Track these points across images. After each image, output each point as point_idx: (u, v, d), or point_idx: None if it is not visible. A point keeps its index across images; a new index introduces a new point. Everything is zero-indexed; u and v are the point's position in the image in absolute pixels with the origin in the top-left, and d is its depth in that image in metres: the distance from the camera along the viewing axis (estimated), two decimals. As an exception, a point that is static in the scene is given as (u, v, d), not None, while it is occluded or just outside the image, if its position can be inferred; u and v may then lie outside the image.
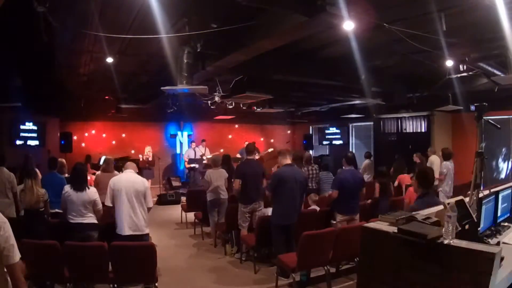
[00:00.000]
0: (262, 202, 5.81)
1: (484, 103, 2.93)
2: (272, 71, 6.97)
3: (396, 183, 7.88)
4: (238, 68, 6.16)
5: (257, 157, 6.40)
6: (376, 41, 5.55)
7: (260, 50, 5.11)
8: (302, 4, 3.73)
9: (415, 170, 8.74)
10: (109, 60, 6.04)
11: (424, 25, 4.58)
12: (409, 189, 6.04)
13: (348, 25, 3.87)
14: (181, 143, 13.69)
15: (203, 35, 4.72)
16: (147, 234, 4.41)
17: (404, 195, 6.81)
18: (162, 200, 10.45)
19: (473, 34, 5.18)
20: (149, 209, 4.40)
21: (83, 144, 12.29)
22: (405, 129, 11.21)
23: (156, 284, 4.08)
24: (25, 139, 9.57)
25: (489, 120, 3.00)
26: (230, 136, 14.62)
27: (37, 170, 6.28)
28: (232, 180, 6.30)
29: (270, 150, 12.98)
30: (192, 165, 11.47)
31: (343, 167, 5.62)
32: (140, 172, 11.06)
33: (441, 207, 2.65)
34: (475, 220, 2.49)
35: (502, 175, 9.38)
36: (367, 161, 10.21)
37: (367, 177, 9.29)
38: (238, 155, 11.82)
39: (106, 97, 10.70)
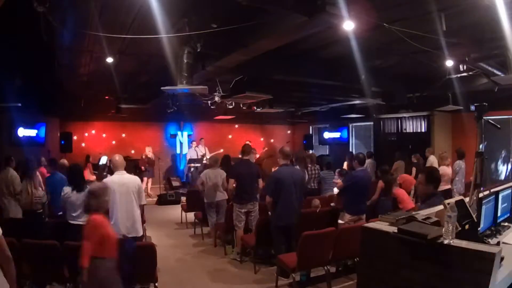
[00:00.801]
0: (257, 203, 5.80)
1: (484, 103, 2.93)
2: (272, 71, 6.97)
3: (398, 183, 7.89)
4: (238, 68, 6.16)
5: (257, 156, 6.39)
6: (376, 41, 5.55)
7: (260, 50, 5.11)
8: (302, 4, 3.72)
9: (414, 170, 8.76)
10: (109, 60, 6.04)
11: (424, 25, 4.58)
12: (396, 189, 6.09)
13: (348, 25, 3.87)
14: (181, 143, 13.69)
15: (203, 35, 4.71)
16: (142, 236, 4.39)
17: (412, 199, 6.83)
18: (162, 200, 10.44)
19: (473, 34, 5.18)
20: (142, 206, 4.39)
21: (83, 144, 12.29)
22: (405, 129, 11.21)
23: (156, 284, 4.08)
24: (25, 139, 9.56)
25: (489, 120, 3.00)
26: (230, 136, 14.62)
27: (38, 173, 6.30)
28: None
29: (265, 149, 13.02)
30: (194, 165, 11.45)
31: (356, 168, 5.57)
32: (140, 172, 11.15)
33: (441, 207, 2.65)
34: (475, 220, 2.50)
35: (502, 177, 9.37)
36: (369, 160, 10.19)
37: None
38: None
39: (106, 97, 10.70)
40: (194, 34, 4.60)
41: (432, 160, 8.39)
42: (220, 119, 12.41)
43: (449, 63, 5.89)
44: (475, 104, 2.98)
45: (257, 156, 11.93)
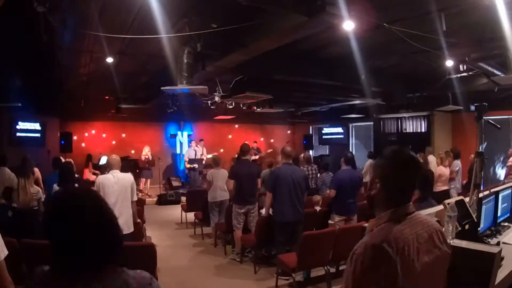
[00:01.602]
0: (257, 204, 5.80)
1: (484, 103, 2.93)
2: (272, 71, 6.97)
3: None
4: (238, 68, 6.16)
5: (256, 157, 6.40)
6: (376, 41, 5.55)
7: (260, 50, 5.12)
8: (302, 4, 3.73)
9: None
10: (109, 60, 6.04)
11: (424, 25, 4.58)
12: None
13: (348, 25, 3.87)
14: (181, 143, 13.69)
15: (203, 35, 4.71)
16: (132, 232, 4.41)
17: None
18: (162, 200, 10.45)
19: (473, 34, 5.18)
20: (134, 203, 4.41)
21: (83, 144, 12.29)
22: (405, 129, 11.21)
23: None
24: (25, 139, 9.56)
25: (489, 120, 3.00)
26: (230, 136, 14.62)
27: (37, 170, 6.29)
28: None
29: (269, 150, 13.00)
30: (192, 165, 11.47)
31: (341, 167, 5.61)
32: (140, 172, 11.15)
33: (441, 207, 2.65)
34: (475, 220, 2.49)
35: (502, 177, 9.36)
36: (370, 161, 10.16)
37: (370, 177, 9.26)
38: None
39: (106, 97, 10.70)
40: (194, 34, 4.61)
41: (431, 160, 8.38)
42: (220, 119, 12.42)
43: (449, 63, 5.89)
44: (475, 104, 2.98)
45: (257, 156, 11.96)
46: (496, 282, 1.89)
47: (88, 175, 10.11)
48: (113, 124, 12.70)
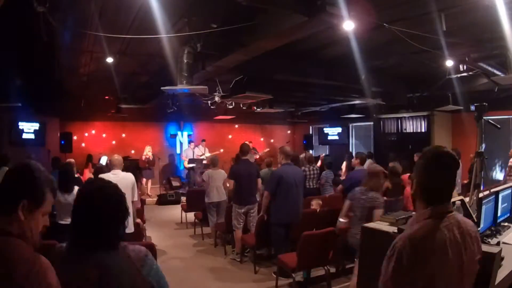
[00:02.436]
0: (257, 204, 5.80)
1: (484, 103, 2.93)
2: (272, 71, 6.97)
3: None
4: (238, 68, 6.16)
5: (256, 156, 6.40)
6: (376, 41, 5.55)
7: (260, 50, 5.11)
8: (302, 4, 3.73)
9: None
10: (109, 60, 6.04)
11: (424, 25, 4.58)
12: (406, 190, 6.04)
13: (348, 25, 3.87)
14: (181, 143, 13.69)
15: (203, 35, 4.72)
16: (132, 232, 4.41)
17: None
18: (162, 200, 10.45)
19: (473, 34, 5.18)
20: (133, 203, 4.41)
21: (83, 144, 12.28)
22: (405, 129, 11.21)
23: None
24: (25, 139, 9.57)
25: (489, 120, 3.00)
26: (230, 136, 14.62)
27: None
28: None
29: (267, 150, 13.00)
30: (191, 165, 11.47)
31: (354, 167, 5.59)
32: (140, 172, 11.15)
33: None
34: (475, 220, 2.49)
35: (501, 178, 9.34)
36: (369, 161, 10.15)
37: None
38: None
39: (106, 97, 10.70)
40: (194, 34, 4.61)
41: None
42: (220, 119, 12.41)
43: (449, 63, 5.90)
44: (475, 104, 2.98)
45: (257, 156, 11.95)
46: (496, 282, 1.89)
47: (89, 175, 10.10)
48: (113, 124, 12.70)
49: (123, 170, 4.57)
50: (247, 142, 6.65)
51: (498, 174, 9.42)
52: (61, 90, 9.15)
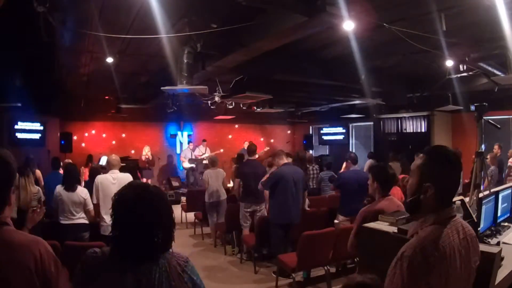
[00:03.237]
0: (263, 203, 5.81)
1: (484, 103, 2.93)
2: (272, 71, 6.97)
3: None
4: (238, 68, 6.16)
5: (255, 156, 6.41)
6: (376, 41, 5.55)
7: (260, 50, 5.11)
8: (302, 4, 3.73)
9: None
10: (109, 60, 6.04)
11: (424, 25, 4.58)
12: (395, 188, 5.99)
13: (348, 25, 3.87)
14: (181, 143, 13.69)
15: (203, 35, 4.71)
16: None
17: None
18: (162, 200, 10.43)
19: (473, 34, 5.18)
20: None
21: (83, 144, 12.28)
22: (405, 129, 11.21)
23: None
24: (25, 139, 9.56)
25: (489, 120, 3.00)
26: (230, 136, 14.62)
27: (38, 170, 6.28)
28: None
29: (266, 149, 12.98)
30: (190, 165, 11.45)
31: (349, 168, 5.58)
32: (140, 172, 11.13)
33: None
34: (475, 220, 2.49)
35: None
36: (370, 161, 10.08)
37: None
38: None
39: (106, 97, 10.70)
40: (194, 34, 4.61)
41: None
42: (220, 119, 12.41)
43: (449, 63, 5.89)
44: (475, 104, 2.98)
45: (257, 156, 11.95)
46: (496, 282, 1.89)
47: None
48: (113, 124, 12.70)
49: (121, 170, 4.57)
50: (252, 142, 6.70)
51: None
52: (61, 90, 9.16)
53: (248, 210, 5.65)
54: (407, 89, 9.02)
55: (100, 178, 4.44)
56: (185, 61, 4.98)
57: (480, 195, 2.67)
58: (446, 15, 4.33)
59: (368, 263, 2.46)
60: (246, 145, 11.96)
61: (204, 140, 12.60)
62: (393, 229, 2.30)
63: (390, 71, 7.99)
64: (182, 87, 5.08)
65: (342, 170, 8.10)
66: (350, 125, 13.58)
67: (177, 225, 6.04)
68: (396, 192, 5.95)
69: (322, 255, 4.35)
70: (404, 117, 11.12)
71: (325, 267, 4.42)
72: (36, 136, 9.91)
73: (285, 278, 4.65)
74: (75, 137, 11.53)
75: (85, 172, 8.89)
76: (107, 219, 4.16)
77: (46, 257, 1.23)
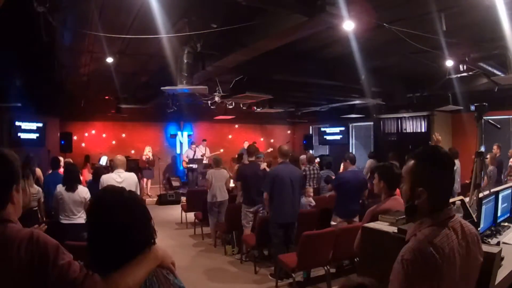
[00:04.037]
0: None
1: (484, 103, 2.93)
2: (272, 71, 6.97)
3: None
4: (238, 68, 6.16)
5: (262, 164, 6.40)
6: (376, 41, 5.55)
7: (260, 50, 5.11)
8: (302, 4, 3.72)
9: None
10: (109, 60, 6.05)
11: (424, 25, 4.58)
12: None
13: (348, 25, 3.87)
14: (181, 143, 13.69)
15: (203, 35, 4.72)
16: None
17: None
18: (162, 200, 10.44)
19: (473, 34, 5.18)
20: None
21: (83, 144, 12.29)
22: (405, 129, 11.21)
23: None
24: (25, 139, 9.56)
25: (489, 120, 3.00)
26: (230, 136, 14.62)
27: (38, 170, 6.27)
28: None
29: (270, 150, 12.97)
30: (190, 165, 11.44)
31: (347, 168, 5.54)
32: (140, 172, 11.11)
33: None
34: (475, 220, 2.49)
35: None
36: (371, 161, 10.06)
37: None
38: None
39: (106, 97, 10.70)
40: (194, 34, 4.61)
41: None
42: (220, 119, 12.42)
43: (449, 63, 5.89)
44: (475, 104, 2.98)
45: (260, 157, 11.92)
46: (496, 282, 1.89)
47: (88, 175, 10.09)
48: (113, 124, 12.70)
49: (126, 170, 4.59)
50: (255, 143, 6.70)
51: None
52: (61, 90, 9.16)
53: (250, 210, 5.65)
54: (407, 89, 9.02)
55: (105, 177, 4.43)
56: (185, 61, 4.98)
57: (480, 195, 2.67)
58: (446, 15, 4.33)
59: (368, 263, 2.46)
60: (246, 144, 11.96)
61: (204, 140, 12.60)
62: (393, 229, 2.30)
63: (390, 71, 8.00)
64: (182, 87, 5.08)
65: (341, 170, 8.05)
66: (350, 125, 13.58)
67: (177, 225, 6.07)
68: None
69: (322, 255, 4.35)
70: (404, 117, 11.12)
71: (325, 267, 4.42)
72: (36, 136, 9.90)
73: (282, 280, 4.63)
74: (75, 137, 11.54)
75: (83, 173, 8.88)
76: None
77: (39, 245, 1.22)
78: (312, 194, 6.11)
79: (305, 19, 3.84)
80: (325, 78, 7.58)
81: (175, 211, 8.88)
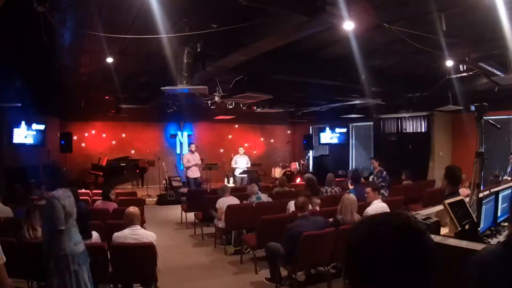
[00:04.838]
0: None
1: (484, 103, 2.94)
2: (272, 71, 6.97)
3: None
4: (238, 68, 6.16)
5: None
6: (376, 41, 5.55)
7: (260, 50, 5.12)
8: (302, 4, 3.73)
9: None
10: (109, 60, 6.05)
11: (424, 25, 4.58)
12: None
13: (348, 25, 3.87)
14: (181, 143, 13.69)
15: (203, 35, 4.72)
16: None
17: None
18: (162, 200, 10.44)
19: (473, 34, 5.18)
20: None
21: (83, 144, 12.29)
22: (405, 129, 11.22)
23: (156, 284, 4.08)
24: (25, 139, 9.57)
25: (489, 120, 3.00)
26: (230, 136, 14.63)
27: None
28: None
29: (245, 145, 12.20)
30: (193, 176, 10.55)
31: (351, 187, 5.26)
32: (140, 173, 11.05)
33: (441, 207, 2.65)
34: (475, 220, 2.49)
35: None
36: (374, 162, 9.51)
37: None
38: (233, 164, 11.36)
39: (106, 97, 10.70)
40: (194, 34, 4.61)
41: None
42: (220, 119, 12.41)
43: (449, 63, 5.89)
44: (475, 104, 2.99)
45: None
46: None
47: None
48: (113, 124, 12.70)
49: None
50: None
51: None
52: (61, 90, 9.16)
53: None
54: (407, 89, 9.02)
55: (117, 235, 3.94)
56: (185, 61, 4.98)
57: (480, 195, 2.67)
58: (446, 15, 4.32)
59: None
60: (242, 151, 11.53)
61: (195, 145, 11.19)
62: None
63: (390, 71, 7.99)
64: (182, 87, 5.08)
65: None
66: (350, 125, 13.58)
67: (177, 225, 6.02)
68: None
69: (322, 255, 4.34)
70: (404, 117, 11.13)
71: (325, 267, 4.42)
72: (36, 136, 9.91)
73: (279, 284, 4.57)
74: (75, 137, 11.54)
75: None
76: None
77: None
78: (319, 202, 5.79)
79: (305, 19, 3.84)
80: (325, 78, 7.58)
81: (175, 211, 8.87)
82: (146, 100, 9.97)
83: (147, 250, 3.88)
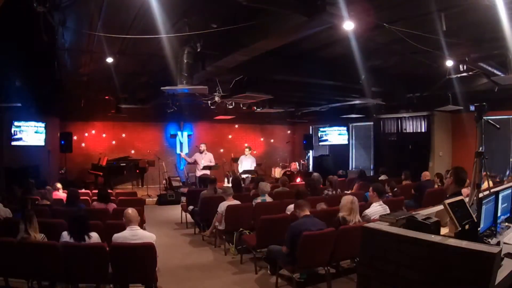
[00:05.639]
0: None
1: (484, 103, 2.93)
2: (272, 71, 6.97)
3: None
4: (238, 68, 6.16)
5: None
6: (376, 41, 5.55)
7: (260, 50, 5.12)
8: (302, 4, 3.73)
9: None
10: (109, 60, 6.04)
11: (424, 25, 4.58)
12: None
13: (348, 25, 3.87)
14: (181, 143, 13.68)
15: (203, 35, 4.72)
16: None
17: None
18: (162, 200, 10.43)
19: (473, 34, 5.18)
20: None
21: (83, 144, 12.29)
22: (405, 129, 11.22)
23: (156, 284, 4.08)
24: (25, 139, 9.57)
25: (489, 120, 3.00)
26: (230, 136, 14.63)
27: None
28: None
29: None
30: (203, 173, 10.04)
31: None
32: (140, 173, 11.03)
33: (441, 207, 2.65)
34: (475, 220, 2.49)
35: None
36: (383, 176, 8.94)
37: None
38: (239, 167, 10.86)
39: (106, 97, 10.71)
40: (194, 34, 4.61)
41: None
42: (220, 119, 12.41)
43: (449, 63, 5.90)
44: (475, 104, 2.99)
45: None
46: (496, 282, 1.89)
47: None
48: (113, 124, 12.70)
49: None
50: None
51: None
52: (61, 90, 9.16)
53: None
54: (407, 89, 9.02)
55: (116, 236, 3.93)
56: (185, 61, 4.98)
57: (480, 195, 2.67)
58: (446, 15, 4.33)
59: (368, 263, 2.46)
60: (247, 152, 11.07)
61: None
62: (393, 229, 2.29)
63: (390, 71, 8.00)
64: (182, 87, 5.09)
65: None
66: (350, 125, 13.59)
67: (176, 225, 6.00)
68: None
69: (322, 255, 4.34)
70: (404, 117, 11.13)
71: (325, 267, 4.42)
72: (36, 136, 9.91)
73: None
74: (75, 137, 11.54)
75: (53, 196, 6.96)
76: None
77: None
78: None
79: (305, 19, 3.84)
80: (325, 78, 7.59)
81: (175, 211, 8.87)
82: (146, 100, 9.97)
83: (147, 251, 3.88)
